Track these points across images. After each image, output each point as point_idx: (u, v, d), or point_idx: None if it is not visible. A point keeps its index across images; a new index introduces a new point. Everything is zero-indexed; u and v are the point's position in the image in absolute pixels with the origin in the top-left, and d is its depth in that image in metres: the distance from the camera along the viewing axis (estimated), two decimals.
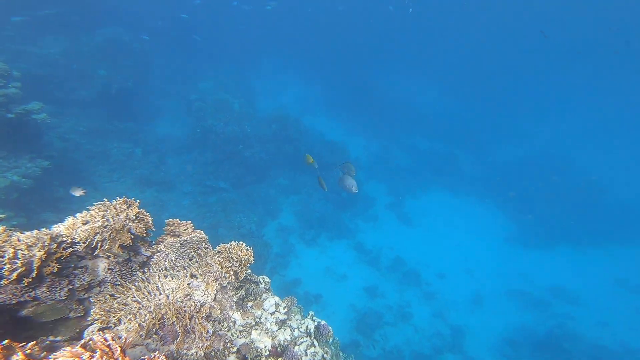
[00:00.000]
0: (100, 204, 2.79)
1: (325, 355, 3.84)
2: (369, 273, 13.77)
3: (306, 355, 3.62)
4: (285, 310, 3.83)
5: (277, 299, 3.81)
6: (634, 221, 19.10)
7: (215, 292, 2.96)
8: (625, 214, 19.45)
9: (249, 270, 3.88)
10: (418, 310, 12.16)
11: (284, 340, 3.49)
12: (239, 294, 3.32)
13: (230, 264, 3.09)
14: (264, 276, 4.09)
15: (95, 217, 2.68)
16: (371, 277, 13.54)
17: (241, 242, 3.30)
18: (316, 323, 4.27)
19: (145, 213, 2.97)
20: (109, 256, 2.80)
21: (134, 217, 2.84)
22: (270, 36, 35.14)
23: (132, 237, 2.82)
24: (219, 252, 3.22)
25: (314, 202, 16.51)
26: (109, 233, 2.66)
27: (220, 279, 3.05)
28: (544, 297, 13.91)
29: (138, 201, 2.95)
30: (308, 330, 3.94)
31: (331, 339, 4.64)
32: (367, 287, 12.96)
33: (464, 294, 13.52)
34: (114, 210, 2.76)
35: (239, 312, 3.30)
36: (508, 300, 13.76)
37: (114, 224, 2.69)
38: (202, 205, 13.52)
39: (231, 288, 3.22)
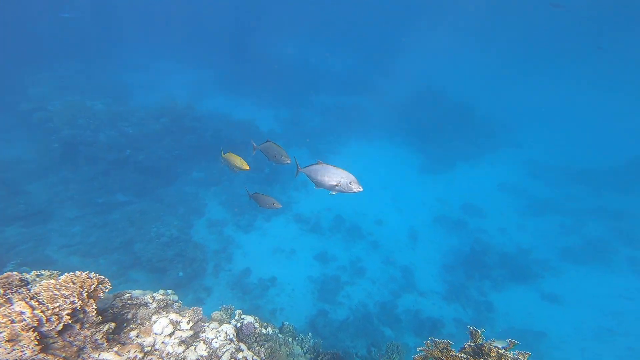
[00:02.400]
0: None
1: (255, 357, 3.45)
2: (315, 240, 13.01)
3: None
4: (191, 324, 3.30)
5: (173, 316, 3.26)
6: (496, 130, 22.07)
7: (36, 342, 2.14)
8: (490, 125, 22.25)
9: (129, 294, 3.30)
10: (369, 262, 11.99)
11: (198, 359, 3.06)
12: (106, 328, 2.63)
13: (59, 303, 2.33)
14: (155, 294, 3.49)
15: None
16: (318, 244, 12.83)
17: (80, 272, 2.58)
18: (239, 324, 3.87)
19: None
20: None
21: None
22: (131, 24, 29.06)
23: None
24: (37, 293, 2.39)
25: (239, 187, 14.68)
26: None
27: (48, 324, 2.25)
28: (460, 217, 14.81)
29: None
30: (229, 336, 3.47)
31: (270, 331, 4.30)
32: (317, 254, 12.24)
33: (401, 233, 13.82)
34: None
35: (112, 350, 2.66)
36: (436, 228, 14.47)
37: None
38: (102, 227, 10.73)
39: (88, 325, 2.54)
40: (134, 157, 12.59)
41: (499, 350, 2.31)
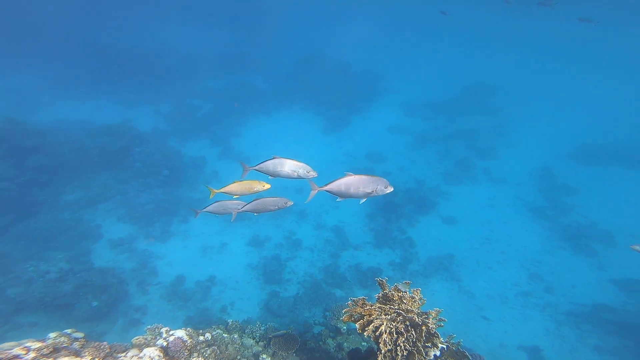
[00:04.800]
0: None
1: None
2: (242, 228, 11.91)
3: None
4: None
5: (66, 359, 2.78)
6: (374, 81, 23.60)
7: None
8: (369, 78, 23.56)
9: None
10: (302, 232, 11.68)
11: None
12: None
13: None
14: (30, 344, 2.86)
15: None
16: (247, 230, 11.80)
17: None
18: (166, 343, 3.53)
19: None
20: None
21: None
22: None
23: None
24: None
25: (137, 197, 12.15)
26: None
27: None
28: (367, 165, 15.32)
29: None
30: (154, 359, 3.21)
31: (209, 336, 4.06)
32: (250, 240, 11.32)
33: (323, 195, 13.46)
34: None
35: None
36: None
37: None
38: None
39: None
40: None
41: (399, 293, 2.71)
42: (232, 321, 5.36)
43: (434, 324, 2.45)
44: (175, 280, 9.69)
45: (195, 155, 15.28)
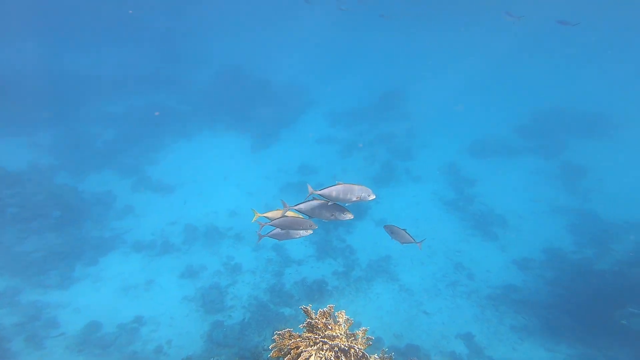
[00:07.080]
0: None
1: None
2: (172, 260, 10.88)
3: None
4: None
5: None
6: (298, 94, 23.76)
7: None
8: (292, 91, 23.74)
9: None
10: (240, 256, 11.05)
11: None
12: None
13: None
14: None
15: None
16: (178, 262, 10.81)
17: None
18: None
19: None
20: None
21: None
22: None
23: None
24: None
25: (17, 245, 10.54)
26: None
27: None
28: (300, 179, 15.16)
29: None
30: None
31: None
32: (183, 272, 10.33)
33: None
34: None
35: None
36: (285, 197, 14.21)
37: None
38: None
39: None
40: None
41: (325, 320, 2.71)
42: None
43: (363, 343, 2.45)
44: (86, 328, 8.45)
45: (100, 191, 13.25)
